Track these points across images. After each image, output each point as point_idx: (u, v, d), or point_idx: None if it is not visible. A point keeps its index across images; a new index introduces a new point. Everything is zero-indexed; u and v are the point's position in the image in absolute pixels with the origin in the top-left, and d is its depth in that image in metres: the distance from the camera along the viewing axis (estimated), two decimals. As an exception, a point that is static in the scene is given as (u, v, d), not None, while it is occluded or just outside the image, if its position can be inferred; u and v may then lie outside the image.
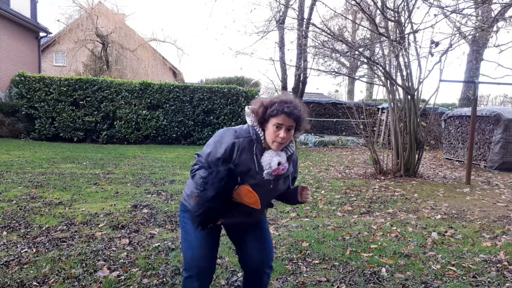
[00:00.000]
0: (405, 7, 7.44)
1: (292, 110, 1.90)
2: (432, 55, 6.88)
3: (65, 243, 3.59)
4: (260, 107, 1.96)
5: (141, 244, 3.62)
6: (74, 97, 13.48)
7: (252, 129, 1.98)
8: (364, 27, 12.81)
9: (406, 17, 7.53)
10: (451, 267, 3.21)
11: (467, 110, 10.14)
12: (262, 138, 1.98)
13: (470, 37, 12.26)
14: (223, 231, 2.24)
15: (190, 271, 2.06)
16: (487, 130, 9.46)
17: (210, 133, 14.13)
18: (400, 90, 7.90)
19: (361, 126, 8.69)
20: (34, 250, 3.38)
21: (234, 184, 1.86)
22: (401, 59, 7.66)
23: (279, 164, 1.96)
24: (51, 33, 20.21)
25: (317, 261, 3.29)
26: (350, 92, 27.71)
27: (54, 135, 13.53)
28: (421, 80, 7.61)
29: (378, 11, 8.37)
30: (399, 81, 7.82)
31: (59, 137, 13.54)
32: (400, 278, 2.99)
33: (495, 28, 6.98)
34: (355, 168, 9.06)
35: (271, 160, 1.95)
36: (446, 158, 11.22)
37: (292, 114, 1.90)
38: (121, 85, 13.77)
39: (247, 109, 2.04)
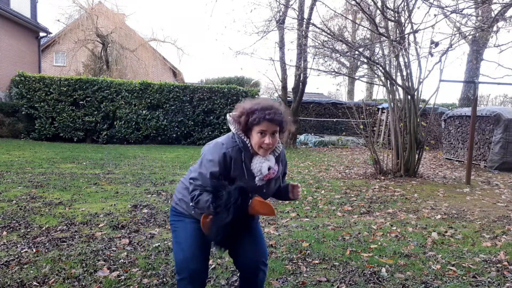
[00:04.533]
0: (405, 7, 7.44)
1: (274, 116, 1.90)
2: (432, 55, 6.89)
3: (65, 243, 3.59)
4: (241, 115, 1.96)
5: (141, 244, 3.62)
6: (74, 97, 13.49)
7: (238, 137, 1.99)
8: (364, 27, 12.82)
9: (406, 17, 7.53)
10: (451, 267, 3.21)
11: (467, 110, 10.14)
12: (249, 145, 1.99)
13: (470, 37, 12.26)
14: None
15: (182, 273, 2.06)
16: (487, 130, 9.46)
17: (210, 133, 14.13)
18: (400, 90, 7.90)
19: (361, 126, 8.69)
20: (34, 250, 3.38)
21: (247, 200, 1.88)
22: (401, 59, 7.66)
23: (269, 169, 1.99)
24: (51, 33, 20.20)
25: (317, 261, 3.29)
26: (350, 92, 27.71)
27: (54, 135, 13.53)
28: (421, 80, 7.61)
29: (378, 11, 8.37)
30: (399, 81, 7.82)
31: (59, 137, 13.54)
32: (400, 278, 2.99)
33: (495, 28, 6.99)
34: (355, 168, 9.05)
35: (261, 167, 1.98)
36: (446, 158, 11.22)
37: (274, 120, 1.91)
38: (121, 85, 13.78)
39: (229, 117, 2.04)
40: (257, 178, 2.00)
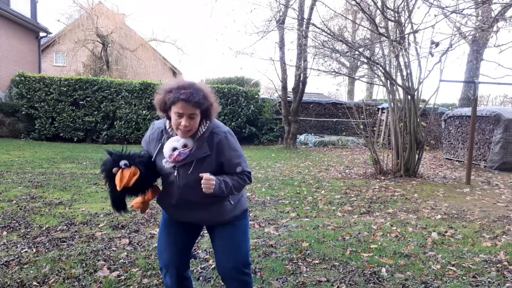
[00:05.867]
0: (405, 7, 7.44)
1: (189, 97, 1.74)
2: (432, 55, 6.89)
3: (65, 243, 3.59)
4: (160, 95, 1.84)
5: (141, 244, 3.63)
6: (74, 97, 13.49)
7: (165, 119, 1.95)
8: (364, 27, 12.81)
9: (406, 17, 7.53)
10: (451, 267, 3.21)
11: (467, 110, 10.14)
12: (168, 127, 1.91)
13: (470, 37, 12.26)
14: (204, 232, 2.24)
15: (160, 263, 2.15)
16: (487, 130, 9.46)
17: (210, 133, 14.13)
18: (400, 90, 7.90)
19: (361, 126, 8.69)
20: (34, 250, 3.38)
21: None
22: (401, 59, 7.66)
23: (174, 149, 1.83)
24: (51, 33, 20.18)
25: (317, 261, 3.29)
26: (350, 92, 27.68)
27: (54, 135, 13.54)
28: (421, 80, 7.61)
29: (378, 11, 8.37)
30: (399, 81, 7.82)
31: (59, 137, 13.54)
32: (400, 278, 2.99)
33: (495, 28, 6.99)
34: (355, 168, 9.05)
35: (168, 147, 1.85)
36: (446, 158, 11.22)
37: (190, 101, 1.75)
38: (121, 85, 13.77)
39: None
40: (164, 160, 1.87)
